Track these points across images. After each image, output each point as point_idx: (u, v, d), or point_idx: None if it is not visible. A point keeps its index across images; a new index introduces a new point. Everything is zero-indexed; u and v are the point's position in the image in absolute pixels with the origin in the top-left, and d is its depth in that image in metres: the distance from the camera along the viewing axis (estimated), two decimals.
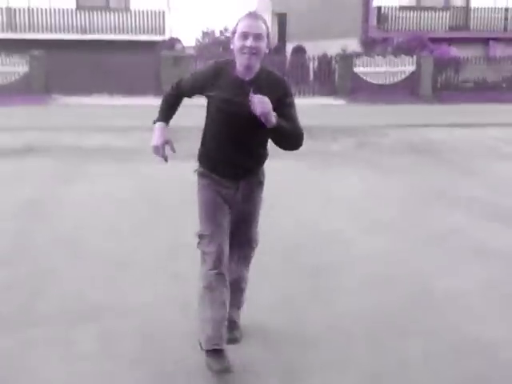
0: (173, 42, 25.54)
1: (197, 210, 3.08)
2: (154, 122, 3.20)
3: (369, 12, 23.07)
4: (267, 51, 2.91)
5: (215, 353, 2.91)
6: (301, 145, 2.98)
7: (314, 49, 23.99)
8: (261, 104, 2.72)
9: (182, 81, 3.17)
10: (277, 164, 9.10)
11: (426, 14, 23.23)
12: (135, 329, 3.54)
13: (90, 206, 6.31)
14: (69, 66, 19.66)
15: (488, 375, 3.06)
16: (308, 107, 18.15)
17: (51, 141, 10.67)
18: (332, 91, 20.75)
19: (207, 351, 2.94)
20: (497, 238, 5.35)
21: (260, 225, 3.26)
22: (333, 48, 22.25)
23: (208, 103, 3.03)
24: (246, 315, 3.45)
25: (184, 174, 8.25)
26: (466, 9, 23.85)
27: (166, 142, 3.17)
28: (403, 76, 20.87)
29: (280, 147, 2.97)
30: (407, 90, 20.49)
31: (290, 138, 2.92)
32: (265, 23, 2.90)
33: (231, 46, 2.93)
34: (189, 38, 44.48)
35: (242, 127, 2.91)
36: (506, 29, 24.00)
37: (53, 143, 10.42)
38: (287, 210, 6.05)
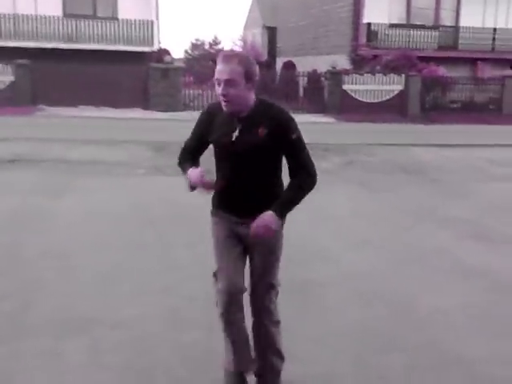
0: (161, 54, 25.59)
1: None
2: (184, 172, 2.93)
3: (358, 29, 23.34)
4: (250, 87, 2.73)
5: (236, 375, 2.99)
6: (314, 186, 2.86)
7: (304, 64, 24.24)
8: (262, 230, 2.73)
9: (186, 142, 3.04)
10: None
11: (416, 32, 23.55)
12: (125, 341, 3.59)
13: (80, 220, 6.34)
14: (55, 75, 19.47)
15: None
16: (298, 124, 18.25)
17: (38, 152, 10.68)
18: (321, 108, 20.93)
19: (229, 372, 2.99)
20: (479, 257, 5.46)
21: None
22: (322, 64, 22.49)
23: (213, 146, 2.93)
24: None
25: (172, 189, 8.34)
26: (455, 28, 24.21)
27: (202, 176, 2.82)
28: (392, 95, 21.13)
29: None
30: (395, 108, 20.73)
31: (302, 197, 2.85)
32: (240, 63, 2.68)
33: None
34: (178, 50, 44.43)
35: (240, 164, 2.82)
36: (493, 49, 24.36)
37: (40, 155, 10.43)
38: None
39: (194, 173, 2.79)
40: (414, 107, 21.16)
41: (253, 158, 2.78)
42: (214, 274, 2.91)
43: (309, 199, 2.93)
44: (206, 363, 3.32)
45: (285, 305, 4.19)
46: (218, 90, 2.71)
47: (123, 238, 5.69)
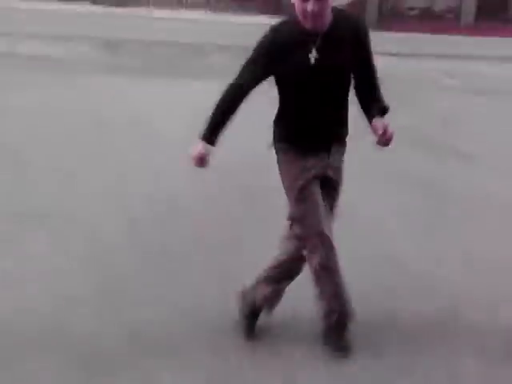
0: None
1: (283, 189, 2.68)
2: (201, 136, 2.49)
3: None
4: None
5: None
6: None
7: None
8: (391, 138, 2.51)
9: (239, 76, 2.47)
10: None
11: None
12: (84, 233, 3.79)
13: (35, 116, 6.29)
14: None
15: (397, 285, 3.48)
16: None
17: None
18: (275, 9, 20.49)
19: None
20: (419, 166, 5.74)
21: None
22: None
23: (279, 78, 2.52)
24: None
25: (126, 90, 8.20)
26: None
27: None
28: (349, 0, 20.78)
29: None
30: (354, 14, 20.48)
31: None
32: None
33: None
34: None
35: (324, 89, 2.50)
36: None
37: None
38: None
39: (198, 152, 2.45)
40: (371, 14, 20.95)
41: (337, 82, 2.51)
42: (291, 219, 2.65)
43: None
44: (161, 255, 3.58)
45: None
46: (307, 6, 2.32)
47: (77, 138, 5.72)
